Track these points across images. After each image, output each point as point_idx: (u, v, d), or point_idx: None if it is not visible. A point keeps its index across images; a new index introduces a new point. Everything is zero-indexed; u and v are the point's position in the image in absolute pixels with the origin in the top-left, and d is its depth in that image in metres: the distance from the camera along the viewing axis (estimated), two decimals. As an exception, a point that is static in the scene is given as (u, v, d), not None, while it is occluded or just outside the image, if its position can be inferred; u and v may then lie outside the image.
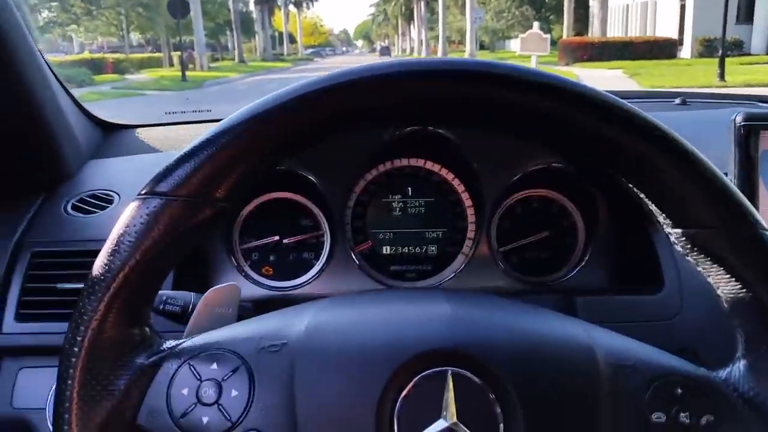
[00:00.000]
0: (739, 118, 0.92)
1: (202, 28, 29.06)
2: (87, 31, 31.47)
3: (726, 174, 0.91)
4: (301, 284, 1.06)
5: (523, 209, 1.09)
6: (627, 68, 17.74)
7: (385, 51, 68.11)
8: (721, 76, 13.78)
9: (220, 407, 0.49)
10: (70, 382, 0.48)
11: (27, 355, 0.92)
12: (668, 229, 0.52)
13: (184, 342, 0.54)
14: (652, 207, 0.52)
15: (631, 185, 0.52)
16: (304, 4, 77.44)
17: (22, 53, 0.99)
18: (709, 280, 0.52)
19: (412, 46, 76.14)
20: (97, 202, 1.06)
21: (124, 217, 0.49)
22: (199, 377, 0.50)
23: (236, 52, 38.45)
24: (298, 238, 1.08)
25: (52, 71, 1.14)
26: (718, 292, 0.52)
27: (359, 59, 56.07)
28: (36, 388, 0.89)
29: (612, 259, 1.07)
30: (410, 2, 62.37)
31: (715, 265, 0.50)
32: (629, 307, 0.93)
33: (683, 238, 0.51)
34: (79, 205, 1.05)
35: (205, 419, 0.49)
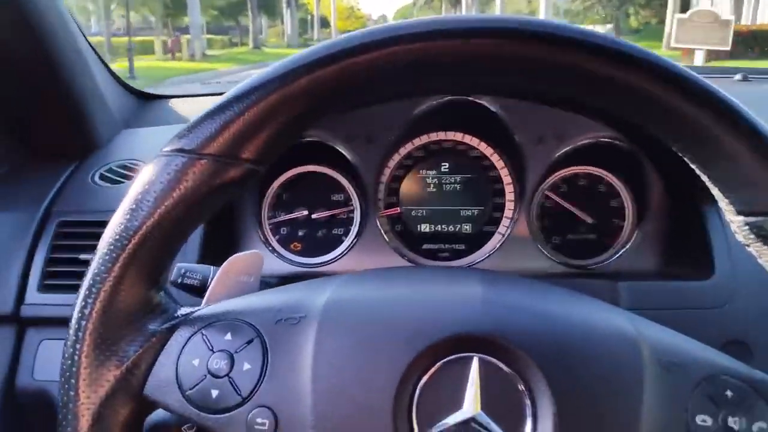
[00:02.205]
0: None
1: (198, 3, 26.04)
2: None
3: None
4: (329, 261, 1.03)
5: (569, 187, 1.04)
6: None
7: None
8: None
9: (231, 381, 0.46)
10: (78, 345, 0.45)
11: (49, 326, 0.91)
12: (731, 216, 0.47)
13: (200, 310, 0.51)
14: (715, 191, 0.47)
15: (696, 166, 0.47)
16: None
17: (54, 20, 0.98)
18: None
19: None
20: (125, 172, 1.05)
21: (145, 175, 0.46)
22: (211, 347, 0.47)
23: (250, 36, 34.11)
24: (328, 213, 1.05)
25: (87, 41, 1.13)
26: None
27: None
28: (57, 360, 0.88)
29: (660, 242, 1.00)
30: None
31: None
32: (676, 293, 0.87)
33: (747, 227, 0.46)
34: (107, 174, 1.04)
35: (214, 392, 0.46)
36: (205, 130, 0.45)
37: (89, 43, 1.15)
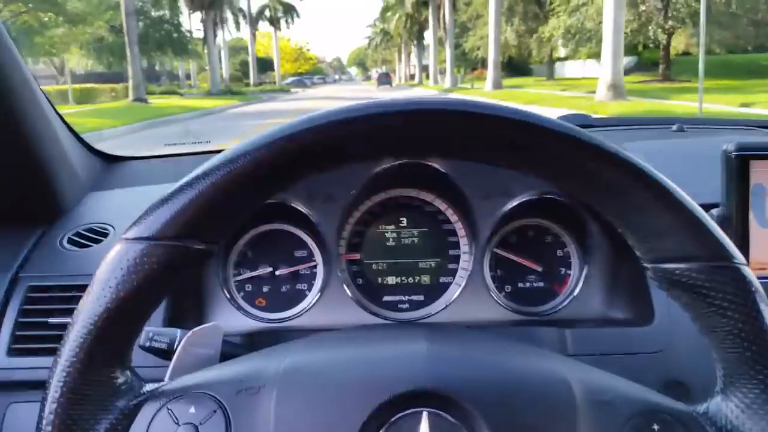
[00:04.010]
0: (730, 147, 0.91)
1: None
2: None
3: (718, 204, 0.92)
4: (294, 315, 1.07)
5: (518, 239, 1.09)
6: None
7: (385, 79, 51.88)
8: None
9: None
10: (50, 428, 0.48)
11: (18, 389, 0.92)
12: (645, 264, 0.52)
13: (165, 385, 0.54)
14: (630, 241, 0.52)
15: (610, 218, 0.52)
16: (283, 23, 61.17)
17: (18, 86, 1.00)
18: (688, 314, 0.52)
19: (414, 72, 63.71)
20: (92, 236, 1.07)
21: (108, 261, 0.50)
22: (177, 421, 0.50)
23: (131, 83, 23.19)
24: (291, 269, 1.08)
25: (51, 104, 1.15)
26: (697, 325, 0.52)
27: (342, 89, 48.74)
28: (25, 423, 0.90)
29: (605, 289, 1.06)
30: (419, 14, 50.33)
31: (692, 300, 0.51)
32: (619, 339, 0.93)
33: (660, 273, 0.51)
34: (75, 239, 1.06)
35: None
36: (160, 216, 0.49)
37: (53, 107, 1.16)
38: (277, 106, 22.17)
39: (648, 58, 28.72)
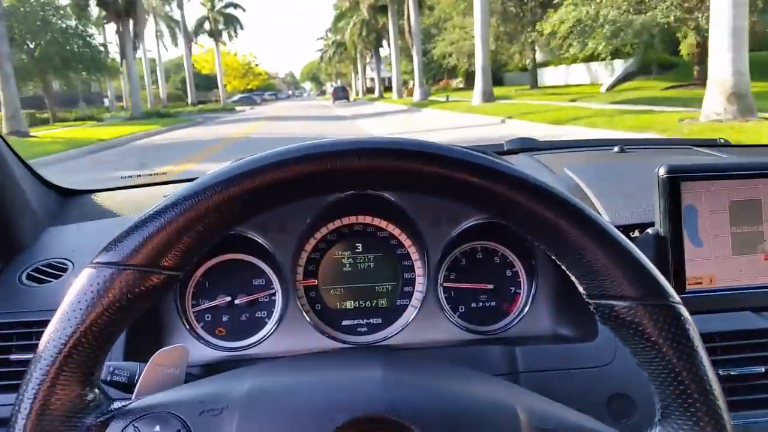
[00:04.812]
0: (662, 171, 0.96)
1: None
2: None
3: (653, 224, 0.98)
4: (254, 343, 1.08)
5: (468, 260, 1.14)
6: None
7: (341, 94, 47.90)
8: None
9: None
10: None
11: None
12: (586, 299, 0.56)
13: (131, 403, 0.56)
14: (572, 276, 0.56)
15: (551, 254, 0.56)
16: (225, 35, 57.27)
17: None
18: (626, 348, 0.55)
19: (369, 84, 61.31)
20: (51, 271, 1.08)
21: (77, 285, 0.53)
22: None
23: (3, 112, 17.15)
24: (250, 297, 1.10)
25: (4, 141, 1.15)
26: (635, 360, 0.55)
27: (294, 106, 45.99)
28: None
29: (552, 308, 1.11)
30: (376, 21, 45.67)
31: (630, 335, 0.54)
32: (566, 354, 0.97)
33: (600, 308, 0.55)
34: (34, 274, 1.07)
35: None
36: (129, 243, 0.52)
37: (6, 142, 1.16)
38: (204, 133, 19.24)
39: (655, 59, 23.84)
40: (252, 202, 0.54)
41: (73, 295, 0.52)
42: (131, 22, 30.80)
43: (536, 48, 30.26)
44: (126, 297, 0.52)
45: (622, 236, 0.54)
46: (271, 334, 1.09)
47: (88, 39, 29.51)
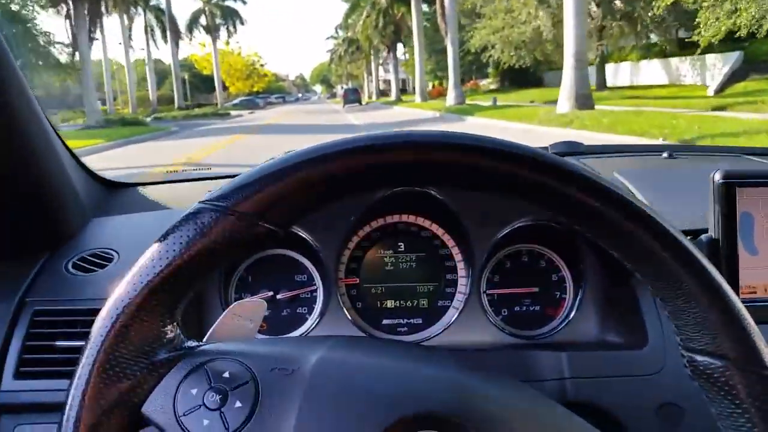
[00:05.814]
0: (717, 176, 0.93)
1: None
2: None
3: (706, 230, 0.95)
4: None
5: (513, 263, 1.12)
6: None
7: (353, 96, 44.09)
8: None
9: (222, 415, 0.50)
10: (93, 359, 0.50)
11: (24, 412, 0.93)
12: (682, 351, 0.54)
13: (205, 345, 0.56)
14: (672, 325, 0.54)
15: (653, 293, 0.54)
16: (223, 31, 50.67)
17: (25, 114, 1.01)
18: (712, 409, 0.53)
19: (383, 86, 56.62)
20: (97, 260, 1.09)
21: (182, 220, 0.53)
22: (210, 381, 0.52)
23: None
24: (292, 293, 1.10)
25: (55, 131, 1.16)
26: (719, 423, 0.52)
27: (297, 111, 39.03)
28: None
29: (599, 313, 1.09)
30: (395, 10, 40.31)
31: (720, 397, 0.51)
32: (614, 362, 0.95)
33: (694, 364, 0.53)
34: (80, 263, 1.08)
35: (205, 422, 0.50)
36: (239, 191, 0.52)
37: (57, 133, 1.17)
38: (156, 155, 12.34)
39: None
40: (350, 182, 0.54)
41: (176, 229, 0.52)
42: (86, 2, 24.32)
43: (612, 32, 23.12)
44: (227, 241, 0.52)
45: (731, 291, 0.52)
46: (312, 330, 1.08)
47: (28, 25, 21.22)
